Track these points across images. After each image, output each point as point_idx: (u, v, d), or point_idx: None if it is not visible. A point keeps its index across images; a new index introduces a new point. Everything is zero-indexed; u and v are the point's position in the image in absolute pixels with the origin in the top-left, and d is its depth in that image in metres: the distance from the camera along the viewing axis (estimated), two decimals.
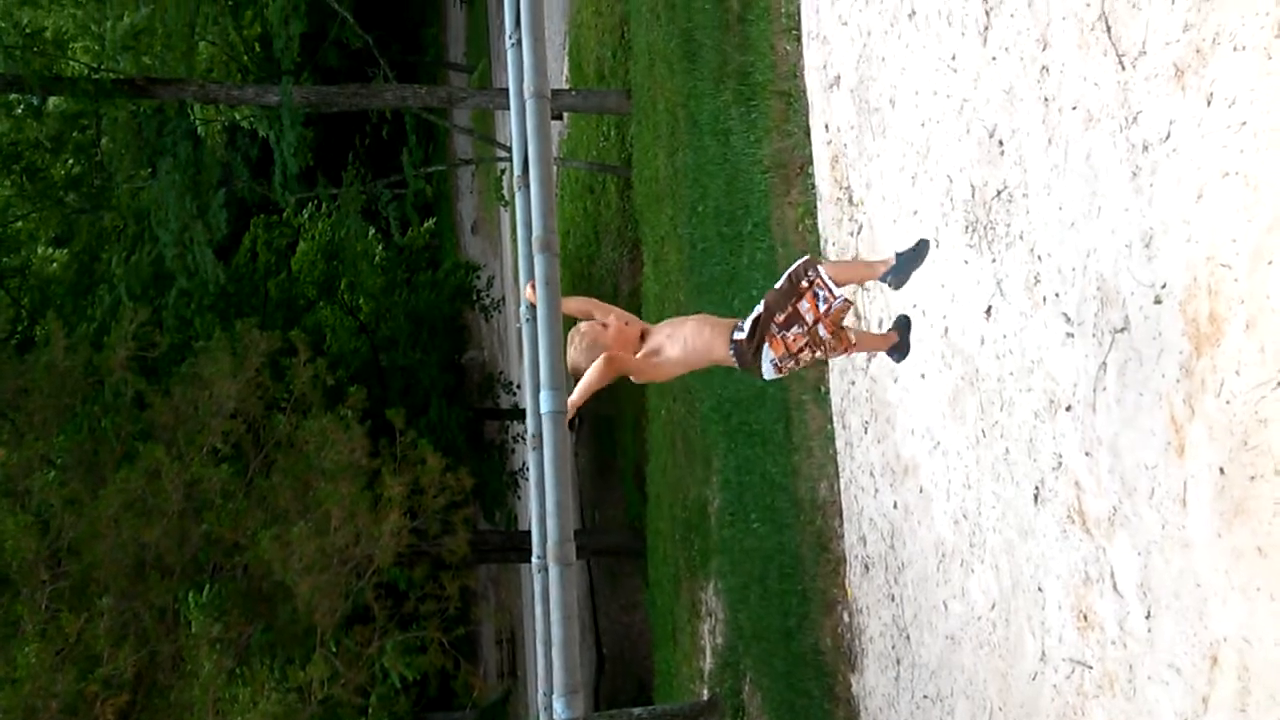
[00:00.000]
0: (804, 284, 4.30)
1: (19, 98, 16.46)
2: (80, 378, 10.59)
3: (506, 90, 3.84)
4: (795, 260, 4.45)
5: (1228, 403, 3.80)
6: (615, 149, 15.26)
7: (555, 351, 3.50)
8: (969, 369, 5.62)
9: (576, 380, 4.23)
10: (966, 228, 5.53)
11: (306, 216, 21.09)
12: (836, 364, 7.62)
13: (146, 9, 13.30)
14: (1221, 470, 3.84)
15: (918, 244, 4.64)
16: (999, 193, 5.21)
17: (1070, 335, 4.71)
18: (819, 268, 4.32)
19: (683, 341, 4.42)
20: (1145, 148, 4.12)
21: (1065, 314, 4.73)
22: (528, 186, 3.78)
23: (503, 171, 15.43)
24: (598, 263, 16.94)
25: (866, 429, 7.09)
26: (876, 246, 6.73)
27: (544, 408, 3.45)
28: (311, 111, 12.99)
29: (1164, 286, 4.08)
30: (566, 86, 17.26)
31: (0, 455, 8.85)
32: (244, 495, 9.50)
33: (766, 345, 4.33)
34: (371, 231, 21.94)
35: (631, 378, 4.44)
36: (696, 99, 10.36)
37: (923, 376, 6.17)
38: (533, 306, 3.71)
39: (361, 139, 14.69)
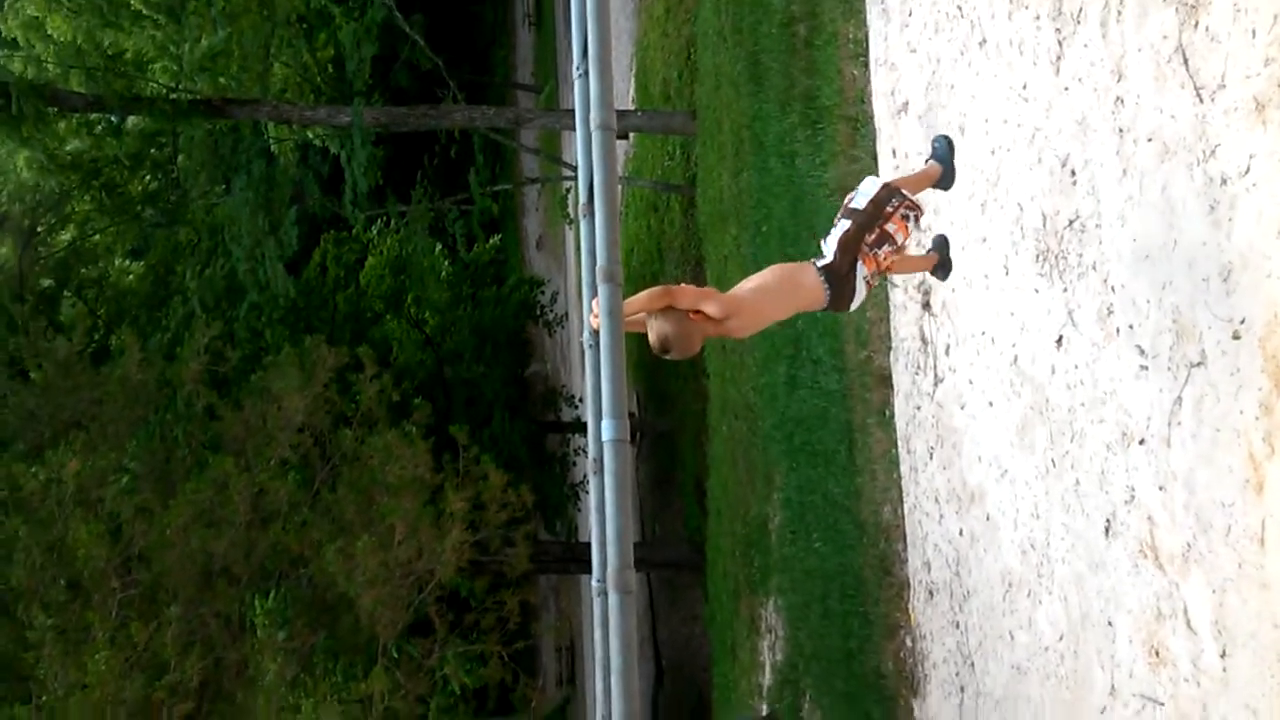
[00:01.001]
0: (889, 208, 4.52)
1: (100, 117, 16.92)
2: (153, 389, 10.84)
3: (573, 112, 3.86)
4: (849, 195, 4.62)
5: None
6: (680, 169, 15.29)
7: (617, 379, 3.51)
8: (1039, 398, 5.54)
9: (664, 353, 4.25)
10: (1037, 257, 5.46)
11: (375, 232, 21.38)
12: (901, 389, 7.55)
13: (224, 32, 13.62)
14: None
15: (940, 141, 4.88)
16: (1071, 222, 5.14)
17: (1144, 368, 4.63)
18: (902, 191, 4.49)
19: (761, 282, 4.43)
20: (1224, 181, 4.04)
21: (1139, 346, 4.65)
22: (592, 215, 3.80)
23: (568, 190, 15.55)
24: (660, 280, 16.96)
25: (932, 454, 7.02)
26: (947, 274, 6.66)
27: (605, 435, 3.46)
28: (382, 131, 13.20)
29: (1243, 322, 4.00)
30: (633, 107, 17.34)
31: (74, 466, 9.08)
32: (309, 508, 9.65)
33: (860, 263, 4.45)
34: (438, 247, 22.20)
35: (706, 308, 4.26)
36: (762, 121, 10.36)
37: (990, 404, 6.10)
38: (596, 333, 3.72)
39: (430, 158, 14.89)
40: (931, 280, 6.83)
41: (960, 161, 5.95)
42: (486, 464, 10.26)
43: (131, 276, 21.29)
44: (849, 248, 4.47)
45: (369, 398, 10.46)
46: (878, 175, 4.81)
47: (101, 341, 17.75)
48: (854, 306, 4.69)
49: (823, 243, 4.63)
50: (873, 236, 4.48)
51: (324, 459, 10.31)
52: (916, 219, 4.61)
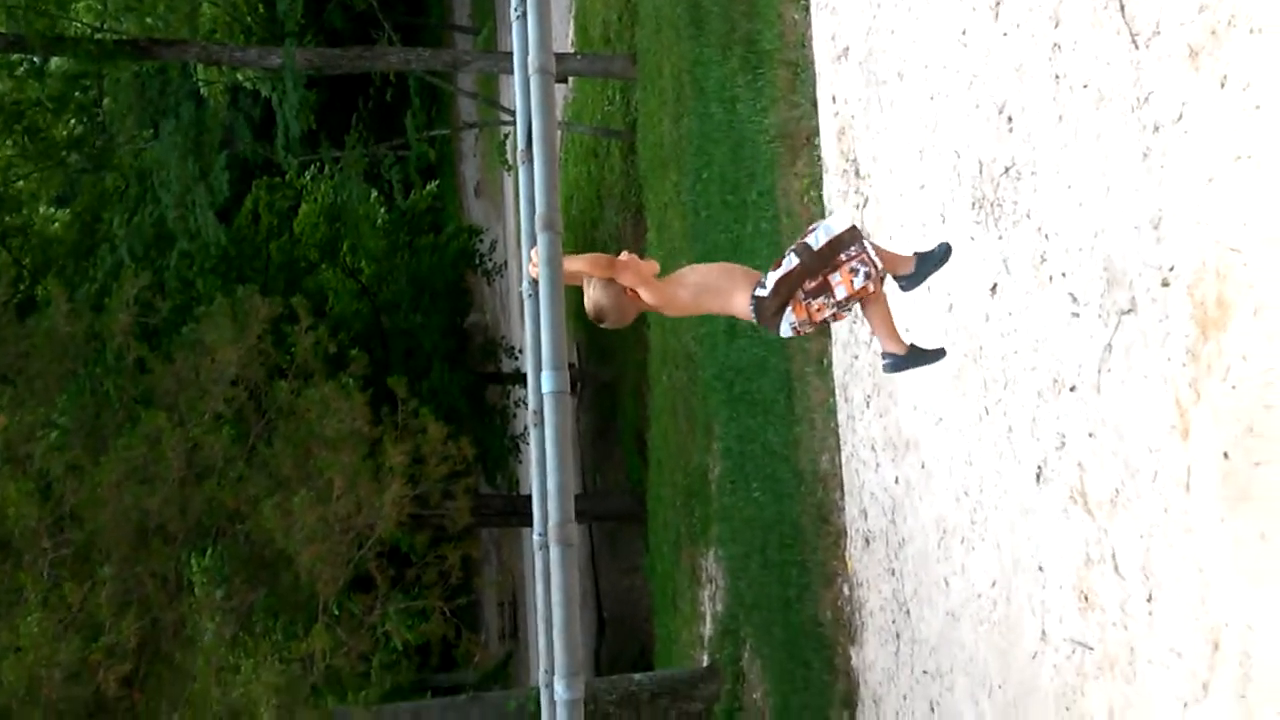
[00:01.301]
0: (842, 255, 4.03)
1: (21, 57, 16.34)
2: (82, 342, 10.55)
3: (511, 55, 3.77)
4: (813, 225, 4.23)
5: (1234, 388, 3.77)
6: (620, 114, 15.14)
7: (557, 331, 3.46)
8: (973, 346, 5.59)
9: (599, 322, 4.19)
10: (973, 204, 5.48)
11: (309, 179, 20.97)
12: (839, 337, 7.59)
13: None
14: (1226, 455, 3.82)
15: (940, 247, 4.40)
16: (1007, 169, 5.16)
17: (1076, 315, 4.68)
18: (866, 243, 4.07)
19: (703, 280, 4.31)
20: (1157, 129, 4.07)
21: (1071, 294, 4.69)
22: (531, 161, 3.73)
23: (506, 136, 15.32)
24: (600, 227, 16.85)
25: (869, 403, 7.08)
26: (883, 220, 6.67)
27: (545, 388, 3.42)
28: (315, 74, 12.89)
29: (1172, 269, 4.05)
30: (572, 50, 17.10)
31: (2, 421, 8.84)
32: (245, 462, 9.48)
33: (790, 308, 4.16)
34: (374, 194, 21.84)
35: (641, 294, 4.15)
36: (703, 66, 10.26)
37: None
38: (535, 283, 3.66)
39: (365, 101, 14.58)
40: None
41: (897, 135, 5.93)
42: (426, 417, 10.13)
43: (57, 225, 20.69)
44: (782, 290, 4.13)
45: (304, 349, 10.26)
46: (849, 216, 4.50)
47: (27, 292, 17.26)
48: (784, 336, 4.46)
49: (767, 275, 4.31)
50: (813, 284, 4.08)
51: (259, 413, 10.12)
52: (869, 277, 4.14)
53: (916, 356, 4.40)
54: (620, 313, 4.18)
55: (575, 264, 4.06)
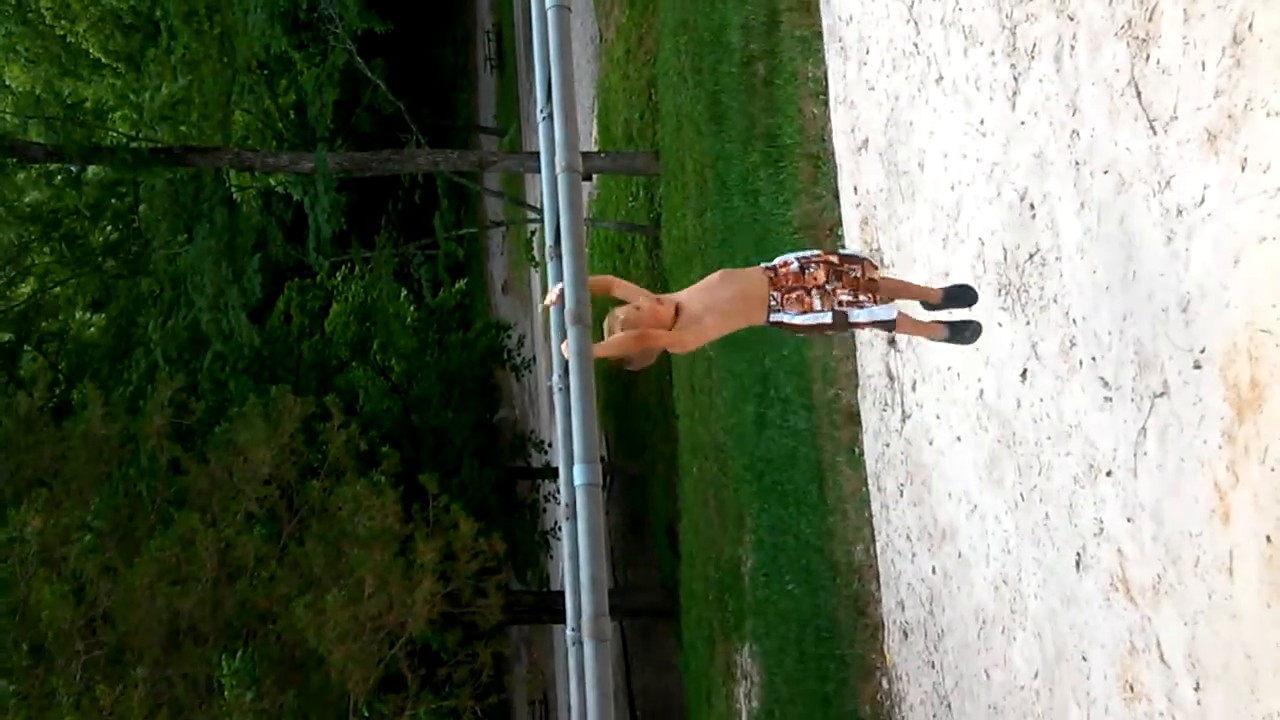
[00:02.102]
0: (854, 270, 4.52)
1: (59, 167, 16.81)
2: (116, 444, 10.67)
3: (537, 154, 3.88)
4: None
5: (1273, 470, 3.72)
6: (644, 209, 15.35)
7: (589, 424, 3.48)
8: (1005, 432, 5.56)
9: (624, 365, 4.40)
10: (999, 290, 5.50)
11: (340, 279, 21.31)
12: (870, 426, 7.56)
13: (185, 79, 13.59)
14: (1269, 539, 3.76)
15: (971, 326, 4.80)
16: (1031, 256, 5.18)
17: (1108, 399, 4.65)
18: (874, 274, 4.48)
19: (709, 302, 4.49)
20: (1180, 212, 4.09)
21: (1103, 378, 4.67)
22: (559, 257, 3.80)
23: (533, 233, 15.55)
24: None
25: (902, 492, 7.02)
26: (910, 306, 6.69)
27: (578, 480, 3.43)
28: (345, 176, 13.18)
29: (1203, 351, 4.03)
30: (595, 149, 17.42)
31: (37, 524, 8.91)
32: (277, 562, 9.50)
33: (814, 293, 4.51)
34: (404, 293, 22.13)
35: (671, 350, 4.54)
36: (724, 160, 10.42)
37: (958, 439, 6.10)
38: (566, 376, 3.70)
39: (394, 202, 14.86)
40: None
41: (920, 224, 5.99)
42: (456, 513, 10.15)
43: (93, 329, 21.03)
44: (809, 268, 4.53)
45: (336, 447, 10.34)
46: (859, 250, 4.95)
47: (63, 396, 17.50)
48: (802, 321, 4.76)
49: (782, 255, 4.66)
50: (832, 285, 4.53)
51: (291, 511, 10.17)
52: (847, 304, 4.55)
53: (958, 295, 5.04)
54: (645, 358, 4.44)
55: (608, 351, 4.21)
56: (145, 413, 10.70)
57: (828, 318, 4.46)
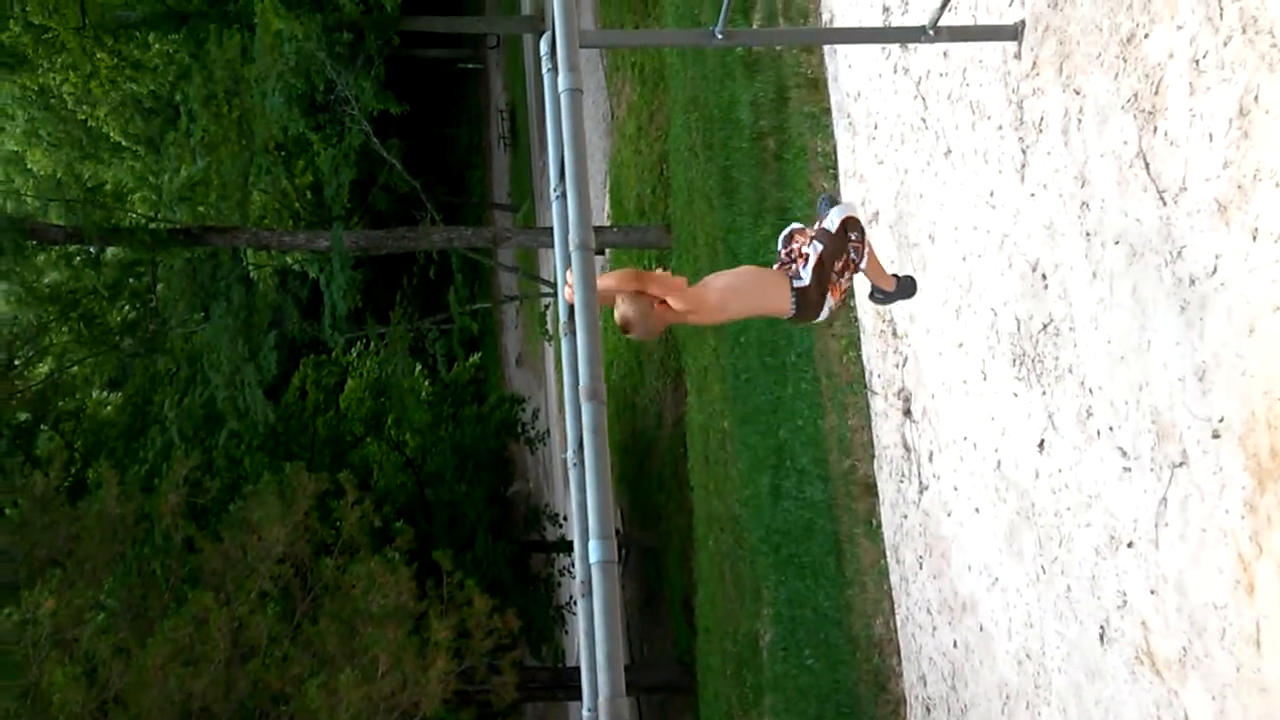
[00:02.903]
0: (852, 236, 4.53)
1: (78, 248, 17.04)
2: (131, 523, 10.66)
3: (550, 229, 3.92)
4: (822, 211, 4.68)
5: None
6: None
7: (604, 499, 3.47)
8: (1024, 503, 5.51)
9: (626, 333, 4.30)
10: (1014, 361, 5.49)
11: (355, 355, 21.42)
12: (887, 497, 7.51)
13: (203, 161, 13.83)
14: None
15: (907, 280, 5.01)
16: (1045, 326, 5.18)
17: (1127, 469, 4.62)
18: (852, 233, 4.54)
19: (731, 282, 4.47)
20: (1193, 282, 4.09)
21: (1121, 448, 4.64)
22: (574, 334, 3.82)
23: (546, 307, 15.65)
24: (641, 392, 16.98)
25: (921, 564, 6.94)
26: (923, 379, 6.69)
27: (593, 557, 3.40)
28: (361, 254, 13.32)
29: (1221, 420, 4.01)
30: (608, 223, 17.59)
31: (50, 605, 8.86)
32: (291, 641, 9.42)
33: (829, 294, 4.53)
34: (418, 368, 22.21)
35: (686, 312, 4.38)
36: (736, 234, 10.50)
37: (977, 510, 6.06)
38: (580, 451, 3.70)
39: (409, 279, 15.00)
40: (911, 388, 6.85)
41: (932, 295, 6.01)
42: (471, 589, 10.07)
43: (109, 408, 21.15)
44: (820, 276, 4.52)
45: (350, 524, 10.31)
46: (843, 202, 4.87)
47: (78, 475, 17.54)
48: (822, 319, 4.78)
49: (798, 268, 4.62)
50: (840, 263, 4.52)
51: (305, 589, 10.11)
52: (849, 267, 4.60)
53: (905, 288, 5.09)
54: (647, 323, 4.36)
55: (606, 281, 4.19)
56: (160, 491, 10.71)
57: (819, 247, 4.50)
